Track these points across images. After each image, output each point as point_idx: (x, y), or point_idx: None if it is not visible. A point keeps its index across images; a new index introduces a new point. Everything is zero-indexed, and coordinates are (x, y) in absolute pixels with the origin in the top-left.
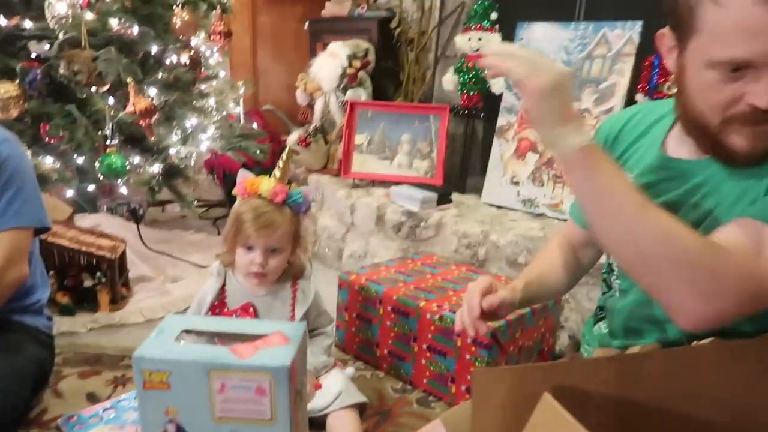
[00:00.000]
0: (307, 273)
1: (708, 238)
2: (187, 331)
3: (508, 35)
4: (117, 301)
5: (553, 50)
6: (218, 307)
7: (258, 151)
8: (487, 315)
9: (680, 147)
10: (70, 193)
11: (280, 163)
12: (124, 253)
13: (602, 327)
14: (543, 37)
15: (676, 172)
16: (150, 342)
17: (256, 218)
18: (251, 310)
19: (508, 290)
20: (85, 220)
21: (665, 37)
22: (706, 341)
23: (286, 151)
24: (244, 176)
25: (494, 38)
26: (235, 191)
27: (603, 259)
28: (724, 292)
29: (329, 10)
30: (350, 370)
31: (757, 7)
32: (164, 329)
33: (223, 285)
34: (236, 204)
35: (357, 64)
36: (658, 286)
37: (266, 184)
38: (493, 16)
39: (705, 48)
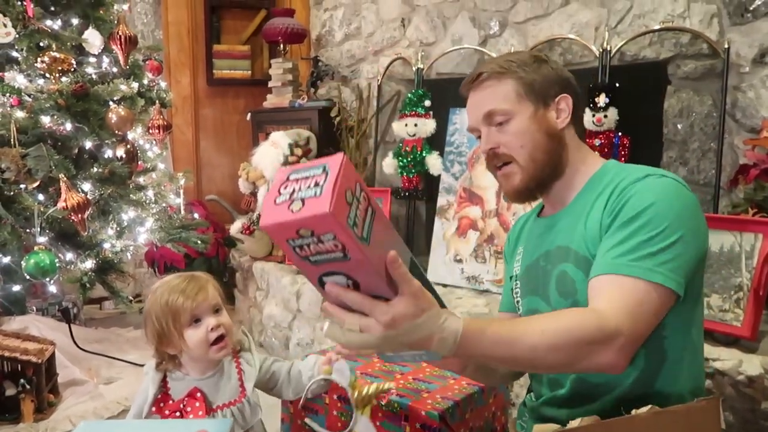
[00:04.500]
0: (246, 345)
1: (568, 314)
2: None
3: (442, 120)
4: (43, 409)
5: None
6: (162, 400)
7: (199, 242)
8: None
9: (546, 208)
10: None
11: None
12: (52, 357)
13: (532, 397)
14: None
15: (544, 228)
16: None
17: (184, 291)
18: (198, 395)
19: None
20: (12, 324)
21: None
22: (643, 410)
23: None
24: None
25: (429, 123)
26: None
27: None
28: (611, 339)
29: (270, 101)
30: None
31: (467, 102)
32: None
33: (164, 377)
34: (150, 305)
35: (299, 151)
36: (573, 368)
37: None
38: (427, 103)
39: None
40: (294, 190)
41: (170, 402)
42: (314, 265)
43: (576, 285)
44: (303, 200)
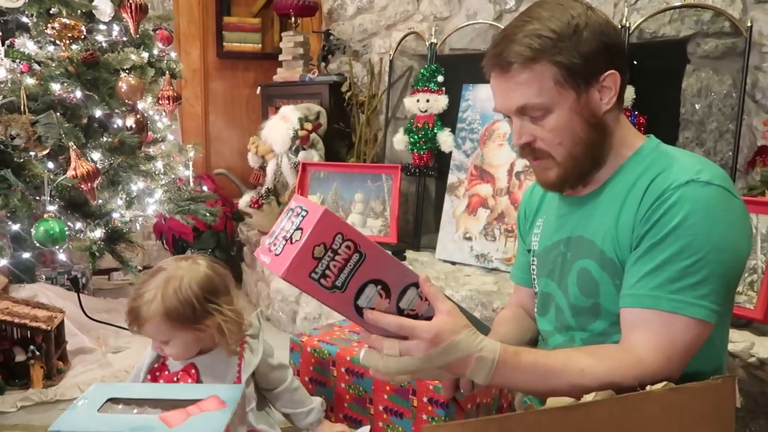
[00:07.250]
0: (255, 330)
1: (608, 356)
2: (115, 400)
3: (455, 97)
4: (52, 376)
5: None
6: (159, 370)
7: (208, 214)
8: None
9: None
10: (2, 262)
11: None
12: (61, 324)
13: None
14: (487, 98)
15: (567, 208)
16: (69, 413)
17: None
18: (193, 371)
19: None
20: (21, 291)
21: None
22: (659, 386)
23: None
24: None
25: (441, 99)
26: None
27: None
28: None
29: (281, 75)
30: (365, 428)
31: (491, 79)
32: (87, 399)
33: None
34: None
35: (309, 126)
36: None
37: None
38: (440, 79)
39: None
40: (280, 236)
41: (166, 372)
42: (344, 291)
43: (600, 287)
44: (297, 229)
